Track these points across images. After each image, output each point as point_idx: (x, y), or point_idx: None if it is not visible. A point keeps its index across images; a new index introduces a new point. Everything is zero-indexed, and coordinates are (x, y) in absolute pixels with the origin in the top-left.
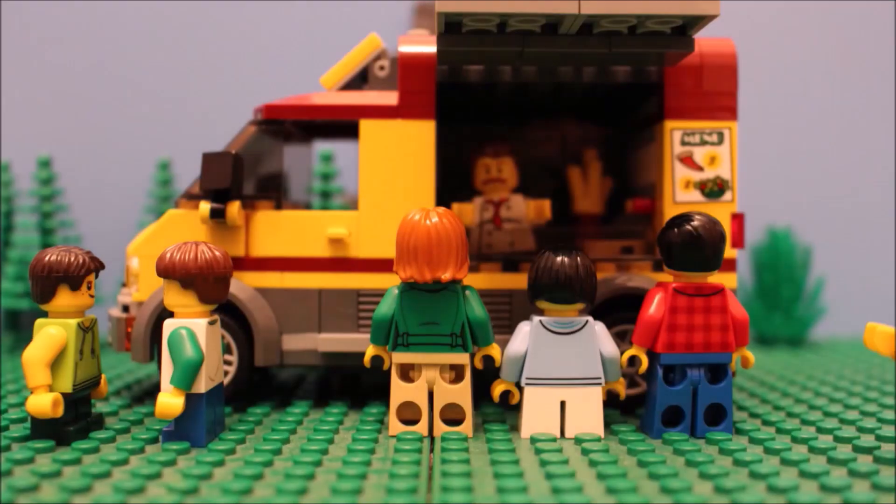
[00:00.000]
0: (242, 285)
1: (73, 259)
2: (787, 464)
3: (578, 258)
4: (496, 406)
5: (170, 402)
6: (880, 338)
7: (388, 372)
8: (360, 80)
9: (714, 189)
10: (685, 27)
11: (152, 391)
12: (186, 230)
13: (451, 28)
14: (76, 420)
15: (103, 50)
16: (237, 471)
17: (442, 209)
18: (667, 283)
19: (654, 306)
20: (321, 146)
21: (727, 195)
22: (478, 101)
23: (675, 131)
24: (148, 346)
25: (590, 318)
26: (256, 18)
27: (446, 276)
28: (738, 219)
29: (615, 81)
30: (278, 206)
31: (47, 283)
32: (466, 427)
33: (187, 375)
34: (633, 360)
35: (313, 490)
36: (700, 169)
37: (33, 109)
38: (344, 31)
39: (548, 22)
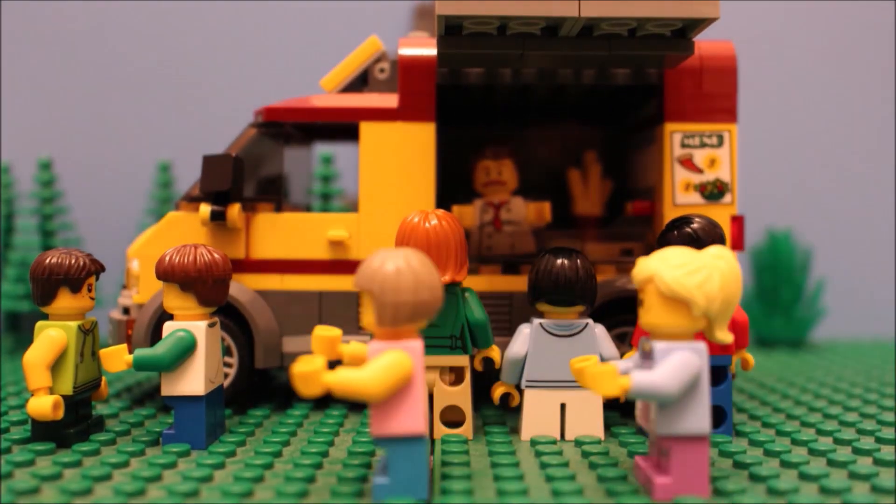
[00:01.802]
0: (243, 287)
1: (73, 261)
2: (787, 466)
3: (578, 260)
4: (496, 408)
5: (118, 357)
6: (316, 342)
7: None
8: (361, 82)
9: (714, 191)
10: (685, 30)
11: (153, 393)
12: (187, 232)
13: (451, 30)
14: (76, 422)
15: (104, 51)
16: (237, 473)
17: (441, 211)
18: None
19: None
20: (321, 148)
21: (727, 197)
22: (478, 103)
23: (674, 133)
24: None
25: (590, 321)
26: (257, 20)
27: (445, 278)
28: (737, 221)
29: (615, 84)
30: (278, 209)
31: (48, 285)
32: (466, 429)
33: (146, 363)
34: None
35: (313, 492)
36: (700, 171)
37: (33, 111)
38: (344, 34)
39: (548, 25)
